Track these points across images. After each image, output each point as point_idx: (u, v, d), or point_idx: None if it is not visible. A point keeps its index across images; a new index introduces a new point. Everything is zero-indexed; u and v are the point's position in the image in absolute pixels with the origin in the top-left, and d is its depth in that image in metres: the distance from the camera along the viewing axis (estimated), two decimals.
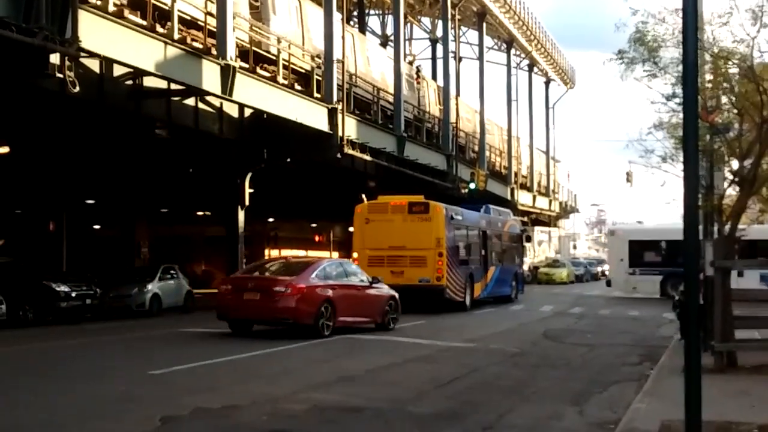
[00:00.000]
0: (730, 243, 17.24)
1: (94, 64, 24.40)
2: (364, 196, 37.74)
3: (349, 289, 24.04)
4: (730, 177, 18.75)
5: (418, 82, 49.71)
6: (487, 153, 60.18)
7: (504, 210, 46.64)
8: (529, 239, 53.03)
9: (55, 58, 20.19)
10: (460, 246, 35.28)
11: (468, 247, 36.42)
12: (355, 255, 32.83)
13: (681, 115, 10.19)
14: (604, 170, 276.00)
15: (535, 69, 78.08)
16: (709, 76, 17.86)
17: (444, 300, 32.50)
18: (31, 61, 20.07)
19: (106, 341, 22.62)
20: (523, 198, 70.93)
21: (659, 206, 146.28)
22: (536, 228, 77.05)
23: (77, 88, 20.71)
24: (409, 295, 29.10)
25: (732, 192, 19.26)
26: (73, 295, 29.15)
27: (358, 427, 11.28)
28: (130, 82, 27.05)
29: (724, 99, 18.33)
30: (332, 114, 34.23)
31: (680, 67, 14.71)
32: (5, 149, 30.69)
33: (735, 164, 18.57)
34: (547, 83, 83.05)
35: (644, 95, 18.21)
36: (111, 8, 22.40)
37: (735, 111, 17.84)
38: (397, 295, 26.05)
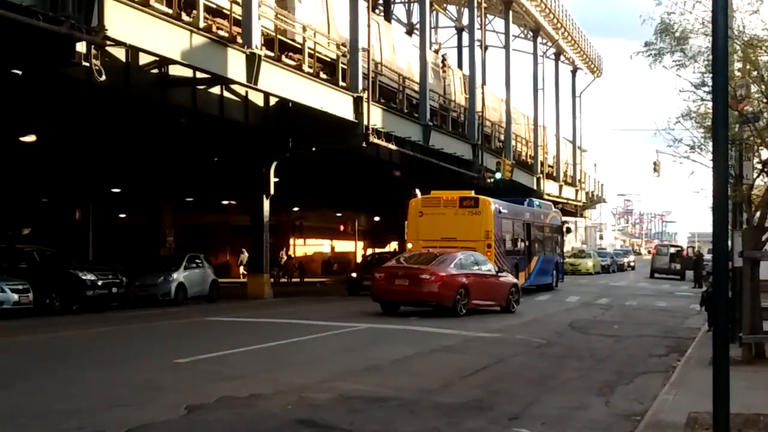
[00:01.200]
0: (759, 233, 17.06)
1: (120, 53, 24.48)
2: (417, 191, 40.18)
3: (479, 277, 27.82)
4: (760, 167, 18.56)
5: (444, 71, 49.49)
6: (513, 142, 59.90)
7: (546, 203, 49.16)
8: (569, 231, 54.55)
9: (81, 47, 20.25)
10: (506, 237, 37.23)
11: (514, 239, 38.49)
12: (409, 245, 35.13)
13: (710, 104, 10.07)
14: (631, 160, 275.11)
15: (562, 57, 77.55)
16: (738, 65, 17.64)
17: None
18: (58, 50, 20.15)
19: (131, 330, 22.72)
20: (549, 188, 70.51)
21: (687, 196, 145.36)
22: (563, 218, 76.77)
23: (103, 77, 20.77)
24: None
25: (761, 182, 19.07)
26: (99, 283, 29.29)
27: (384, 417, 11.24)
28: (155, 70, 27.12)
29: (753, 88, 18.11)
30: (357, 103, 34.16)
31: (709, 56, 14.57)
32: (32, 138, 30.89)
33: (765, 154, 18.39)
34: (574, 72, 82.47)
35: (673, 84, 17.95)
36: None
37: (765, 100, 17.62)
38: (518, 282, 30.58)
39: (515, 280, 30.21)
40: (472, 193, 36.61)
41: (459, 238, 33.61)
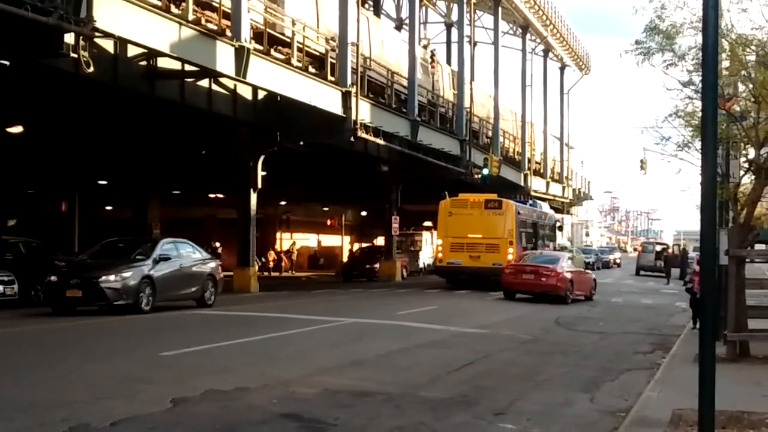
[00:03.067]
0: (744, 232, 17.13)
1: (108, 45, 24.40)
2: (446, 193, 44.55)
3: (577, 273, 35.09)
4: (746, 165, 18.63)
5: (433, 67, 49.55)
6: (501, 138, 60.01)
7: (542, 203, 53.36)
8: (561, 228, 57.73)
9: (69, 38, 20.20)
10: (522, 235, 41.46)
11: (527, 236, 42.89)
12: (439, 242, 40.22)
13: (698, 103, 10.10)
14: (618, 157, 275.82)
15: (551, 54, 77.68)
16: (726, 63, 17.69)
17: None
18: (46, 41, 20.09)
19: (117, 322, 22.62)
20: (537, 184, 70.67)
21: (673, 194, 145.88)
22: None
23: (91, 69, 20.72)
24: (485, 276, 37.41)
25: (748, 180, 19.15)
26: None
27: (369, 412, 11.25)
28: (144, 62, 27.04)
29: (741, 87, 18.18)
30: (346, 97, 34.15)
31: (698, 55, 14.61)
32: (19, 129, 30.79)
33: (752, 152, 18.45)
34: (562, 69, 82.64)
35: (661, 81, 17.98)
36: None
37: (752, 99, 17.69)
38: (596, 277, 37.94)
39: (594, 276, 37.90)
40: (495, 196, 41.30)
41: (484, 236, 38.76)
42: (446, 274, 40.53)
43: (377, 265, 50.30)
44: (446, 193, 44.08)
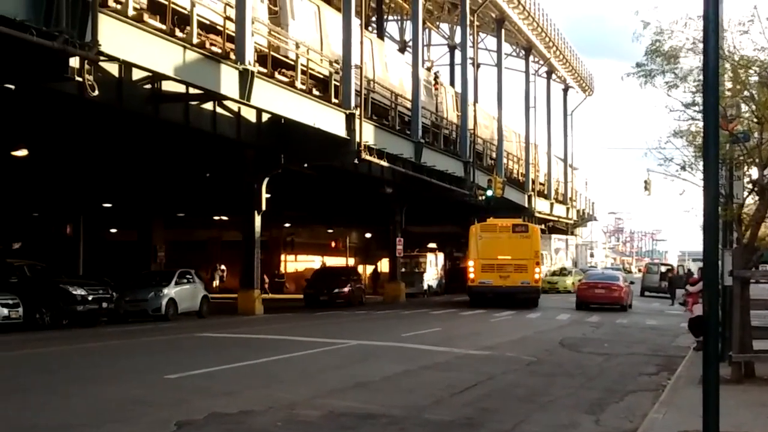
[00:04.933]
0: (748, 252, 17.11)
1: (113, 68, 24.50)
2: (475, 219, 47.23)
3: (627, 287, 44.46)
4: (750, 186, 18.63)
5: (436, 88, 49.67)
6: (505, 160, 60.08)
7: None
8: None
9: (74, 62, 20.27)
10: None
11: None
12: (471, 263, 42.61)
13: (700, 123, 10.12)
14: (622, 178, 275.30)
15: (554, 76, 77.88)
16: (728, 84, 17.73)
17: (539, 296, 43.65)
18: (51, 65, 20.16)
19: (122, 345, 22.66)
20: (541, 205, 70.68)
21: (678, 215, 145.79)
22: (553, 236, 76.77)
23: (96, 92, 20.78)
24: (513, 294, 41.17)
25: (751, 201, 19.14)
26: (90, 298, 29.21)
27: None
28: (148, 86, 27.13)
29: (744, 107, 18.21)
30: (350, 119, 34.22)
31: (700, 76, 14.65)
32: (24, 152, 30.89)
33: (755, 173, 18.45)
34: (566, 90, 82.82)
35: (663, 102, 18.04)
36: (131, 12, 22.51)
37: (755, 120, 17.71)
38: (632, 288, 46.61)
39: (631, 288, 46.51)
40: (521, 221, 46.63)
41: (512, 257, 41.48)
42: (478, 293, 42.40)
43: (345, 289, 45.75)
44: (475, 219, 46.99)
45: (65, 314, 28.41)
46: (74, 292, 28.79)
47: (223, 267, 56.42)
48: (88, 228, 44.13)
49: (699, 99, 16.29)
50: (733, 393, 13.49)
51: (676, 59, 17.03)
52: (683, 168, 18.67)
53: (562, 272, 65.29)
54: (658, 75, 17.45)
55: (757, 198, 18.20)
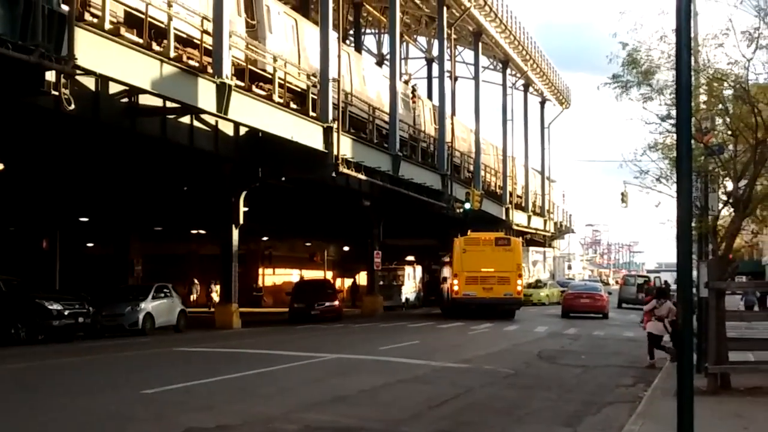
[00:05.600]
0: (724, 264, 17.23)
1: (89, 82, 24.43)
2: (459, 234, 46.65)
3: (607, 297, 49.05)
4: (725, 198, 18.77)
5: (414, 102, 49.78)
6: (483, 172, 60.23)
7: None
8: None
9: (50, 76, 20.19)
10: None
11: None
12: (455, 276, 43.06)
13: (676, 136, 10.19)
14: (599, 190, 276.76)
15: (531, 89, 78.17)
16: (703, 98, 17.90)
17: (521, 307, 45.02)
18: (27, 79, 20.08)
19: (98, 360, 22.53)
20: (518, 218, 70.86)
21: (654, 227, 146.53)
22: (531, 248, 76.88)
23: (72, 106, 20.69)
24: (496, 305, 42.15)
25: (726, 213, 19.28)
26: (66, 313, 28.98)
27: None
28: (125, 99, 27.06)
29: (718, 120, 18.37)
30: (327, 133, 34.22)
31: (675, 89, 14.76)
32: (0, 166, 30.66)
33: (729, 185, 18.60)
34: (543, 103, 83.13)
35: (640, 115, 18.18)
36: (107, 26, 22.47)
37: (729, 132, 17.87)
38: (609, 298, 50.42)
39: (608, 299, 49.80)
40: (503, 234, 49.09)
41: (495, 269, 42.41)
42: (462, 305, 42.79)
43: (336, 303, 44.67)
44: (459, 234, 46.86)
45: (41, 329, 28.17)
46: (50, 307, 28.56)
47: (194, 280, 56.16)
48: (65, 242, 43.86)
49: (674, 112, 16.43)
50: (709, 404, 13.57)
51: (652, 74, 17.18)
52: (659, 180, 18.81)
53: (537, 284, 65.17)
54: (634, 87, 17.60)
55: (732, 210, 18.35)
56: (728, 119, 17.78)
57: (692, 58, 12.28)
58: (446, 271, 50.00)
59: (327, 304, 43.71)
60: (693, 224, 17.29)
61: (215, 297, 55.56)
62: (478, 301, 42.21)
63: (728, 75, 16.91)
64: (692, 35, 14.99)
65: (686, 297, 8.80)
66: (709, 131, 17.97)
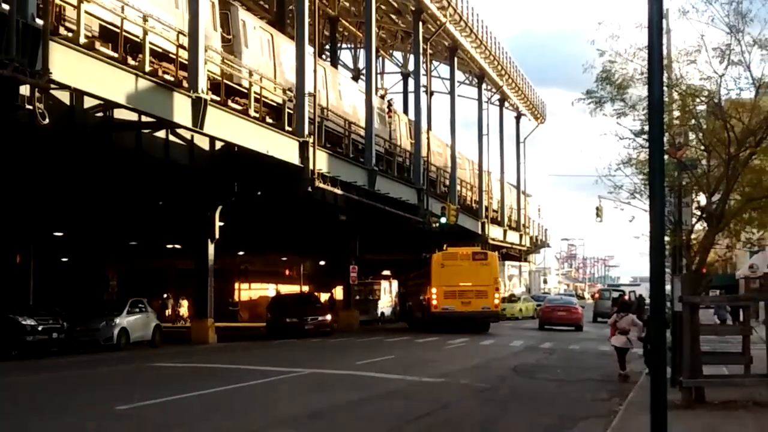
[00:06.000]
0: (697, 278, 17.34)
1: (64, 96, 24.30)
2: (436, 249, 47.76)
3: (582, 310, 51.67)
4: (698, 213, 18.90)
5: (390, 116, 49.85)
6: (458, 187, 60.34)
7: None
8: None
9: (24, 90, 20.11)
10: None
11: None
12: (434, 290, 43.38)
13: (649, 152, 10.27)
14: (574, 205, 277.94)
15: (506, 104, 78.39)
16: (677, 113, 18.03)
17: (498, 320, 46.55)
18: (1, 93, 19.96)
19: (73, 376, 22.37)
20: (494, 232, 71.03)
21: (629, 241, 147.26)
22: (507, 263, 77.07)
23: (47, 120, 20.61)
24: (474, 318, 42.74)
25: (700, 227, 19.41)
26: (40, 328, 28.81)
27: None
28: (100, 114, 26.91)
29: (691, 136, 18.52)
30: (303, 147, 34.19)
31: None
32: None
33: (703, 200, 18.73)
34: (518, 118, 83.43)
35: (614, 130, 18.29)
36: (82, 40, 22.37)
37: (702, 147, 18.02)
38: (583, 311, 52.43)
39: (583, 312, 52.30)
40: (480, 249, 50.75)
41: (473, 283, 43.03)
42: (441, 319, 43.01)
43: (328, 317, 43.76)
44: (437, 249, 47.79)
45: (15, 345, 27.98)
46: (24, 323, 28.40)
47: (165, 295, 55.92)
48: (39, 257, 43.59)
49: (648, 127, 16.56)
50: (684, 418, 13.62)
51: (626, 89, 17.31)
52: (632, 195, 18.92)
53: (511, 299, 65.44)
54: (608, 102, 17.73)
55: (705, 225, 18.48)
56: (701, 134, 17.93)
57: (665, 74, 12.40)
58: (413, 287, 52.91)
59: (320, 318, 42.87)
60: (667, 238, 17.44)
61: (182, 311, 55.51)
62: (457, 314, 42.54)
63: (701, 90, 17.07)
64: (665, 52, 15.14)
65: (659, 311, 8.84)
66: (683, 146, 18.11)
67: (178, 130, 30.11)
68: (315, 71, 36.19)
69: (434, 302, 43.20)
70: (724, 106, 17.05)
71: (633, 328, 23.15)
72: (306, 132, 34.23)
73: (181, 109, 26.85)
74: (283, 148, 33.24)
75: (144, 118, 27.78)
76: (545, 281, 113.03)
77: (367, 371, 22.86)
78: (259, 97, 32.13)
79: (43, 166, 30.86)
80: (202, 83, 27.36)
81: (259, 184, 35.82)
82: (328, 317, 43.88)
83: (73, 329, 31.20)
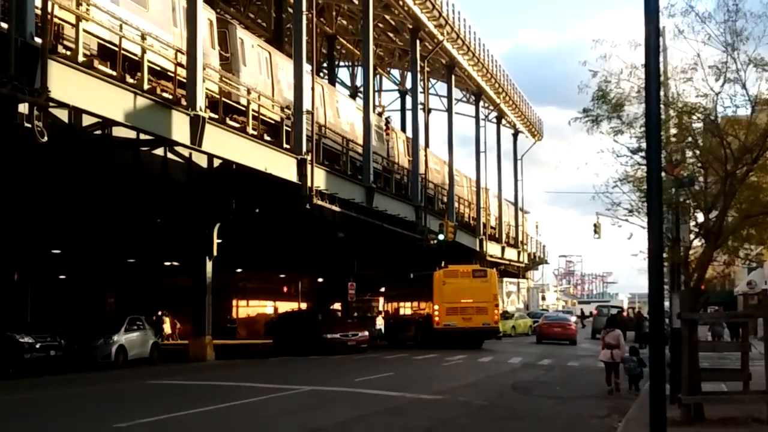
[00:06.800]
0: (696, 295, 17.36)
1: (63, 114, 24.33)
2: (436, 267, 47.74)
3: (576, 326, 56.15)
4: (696, 229, 18.93)
5: (388, 134, 49.93)
6: (456, 204, 60.36)
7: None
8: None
9: (23, 108, 20.15)
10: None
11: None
12: (436, 307, 44.39)
13: (646, 169, 10.31)
14: (572, 222, 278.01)
15: (504, 121, 78.57)
16: (673, 131, 18.09)
17: (498, 335, 48.22)
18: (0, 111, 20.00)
19: (70, 394, 22.33)
20: (492, 249, 71.01)
21: (627, 258, 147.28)
22: (505, 279, 77.01)
23: (45, 138, 20.63)
24: (475, 334, 43.85)
25: (698, 244, 19.43)
26: (37, 346, 28.76)
27: None
28: (99, 131, 26.95)
29: (688, 153, 18.57)
30: (301, 165, 34.26)
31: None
32: None
33: (700, 217, 18.77)
34: (515, 135, 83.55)
35: (611, 148, 18.33)
36: (81, 58, 22.44)
37: (699, 165, 18.07)
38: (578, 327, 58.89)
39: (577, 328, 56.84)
40: (479, 266, 51.94)
41: (474, 300, 44.15)
42: (443, 335, 43.96)
43: (366, 333, 43.03)
44: (438, 266, 48.07)
45: (12, 363, 27.92)
46: (21, 341, 28.35)
47: (159, 313, 55.71)
48: (37, 274, 43.57)
49: (645, 145, 16.62)
50: None
51: (622, 107, 17.37)
52: (630, 212, 18.95)
53: (505, 315, 65.15)
54: (605, 120, 17.79)
55: (703, 241, 18.51)
56: (698, 152, 17.99)
57: (662, 92, 12.46)
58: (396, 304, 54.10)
59: (360, 334, 41.93)
60: (665, 255, 17.46)
61: (167, 329, 55.25)
62: (459, 330, 43.71)
63: (697, 108, 17.14)
64: (661, 69, 15.20)
65: (657, 327, 8.87)
66: (680, 163, 18.17)
67: (177, 148, 30.15)
68: (313, 89, 36.27)
69: (436, 318, 44.22)
70: (720, 123, 17.11)
71: (621, 345, 23.53)
72: (304, 149, 34.31)
73: (180, 127, 26.91)
74: (281, 165, 33.31)
75: (142, 136, 27.83)
76: (543, 298, 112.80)
77: (365, 388, 22.83)
78: (257, 114, 32.21)
79: (41, 183, 30.88)
80: (201, 101, 27.42)
81: (257, 201, 35.87)
82: (366, 333, 43.18)
83: (70, 347, 31.14)
